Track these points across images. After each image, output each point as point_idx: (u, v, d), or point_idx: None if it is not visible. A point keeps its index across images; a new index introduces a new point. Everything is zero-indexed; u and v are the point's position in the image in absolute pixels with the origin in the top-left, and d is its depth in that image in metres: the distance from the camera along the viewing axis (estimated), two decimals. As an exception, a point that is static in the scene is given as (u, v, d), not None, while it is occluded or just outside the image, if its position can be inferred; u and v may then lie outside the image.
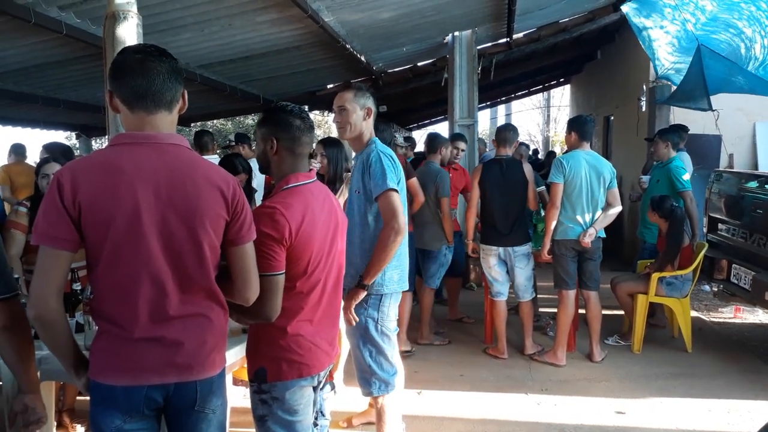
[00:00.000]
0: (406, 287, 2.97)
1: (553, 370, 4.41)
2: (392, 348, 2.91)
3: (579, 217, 4.34)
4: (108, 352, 1.62)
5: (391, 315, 2.89)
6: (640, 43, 6.43)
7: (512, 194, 4.56)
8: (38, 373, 1.84)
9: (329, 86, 9.51)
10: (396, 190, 2.70)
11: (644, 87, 7.70)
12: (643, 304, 4.73)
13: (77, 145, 10.61)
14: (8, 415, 1.81)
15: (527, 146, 6.84)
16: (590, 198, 4.34)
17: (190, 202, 1.62)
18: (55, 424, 3.20)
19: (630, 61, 8.60)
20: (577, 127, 4.48)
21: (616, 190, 4.45)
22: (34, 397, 1.78)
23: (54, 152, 4.50)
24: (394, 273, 2.86)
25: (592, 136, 4.59)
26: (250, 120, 20.01)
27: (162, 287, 1.61)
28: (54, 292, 1.54)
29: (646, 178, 5.59)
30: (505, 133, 4.70)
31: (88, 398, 3.89)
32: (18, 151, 6.53)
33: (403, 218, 2.69)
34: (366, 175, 2.78)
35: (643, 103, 7.70)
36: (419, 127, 17.70)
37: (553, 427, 3.56)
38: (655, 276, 4.69)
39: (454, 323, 5.65)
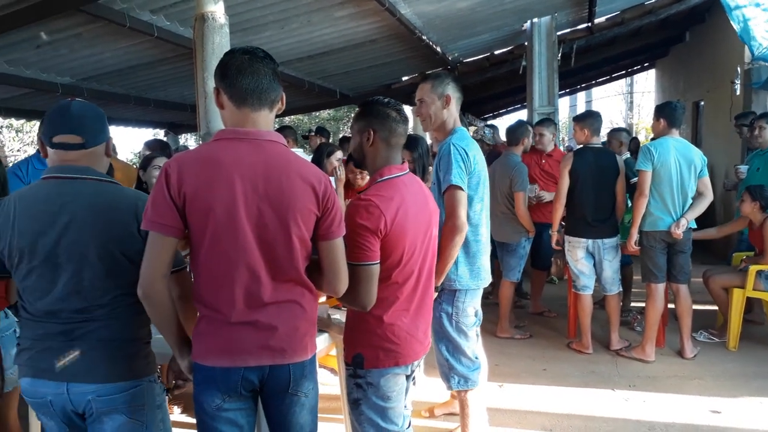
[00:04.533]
0: (482, 284, 2.91)
1: (641, 366, 4.26)
2: (471, 343, 2.89)
3: (669, 208, 4.15)
4: (208, 336, 1.72)
5: (467, 311, 2.86)
6: (732, 22, 6.05)
7: (604, 184, 4.41)
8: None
9: (404, 79, 9.52)
10: (459, 187, 2.65)
11: (738, 69, 7.24)
12: (740, 299, 4.47)
13: (167, 141, 11.15)
14: (167, 376, 2.02)
15: (628, 132, 6.20)
16: (680, 187, 4.15)
17: (284, 197, 1.68)
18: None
19: (722, 42, 8.11)
20: (666, 113, 4.28)
21: (707, 178, 4.23)
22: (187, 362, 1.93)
23: (155, 148, 4.87)
24: (465, 269, 2.83)
25: (682, 122, 4.37)
26: (325, 114, 20.43)
27: (256, 275, 1.69)
28: (160, 274, 1.66)
29: (743, 168, 5.26)
30: (597, 120, 4.54)
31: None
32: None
33: (463, 217, 2.65)
34: (439, 167, 2.77)
35: (738, 87, 7.25)
36: (495, 117, 17.42)
37: (642, 425, 3.44)
38: (753, 269, 4.43)
39: (534, 317, 5.56)
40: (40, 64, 5.86)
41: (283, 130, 5.74)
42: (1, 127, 16.20)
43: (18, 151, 15.86)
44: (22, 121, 15.22)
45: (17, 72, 5.90)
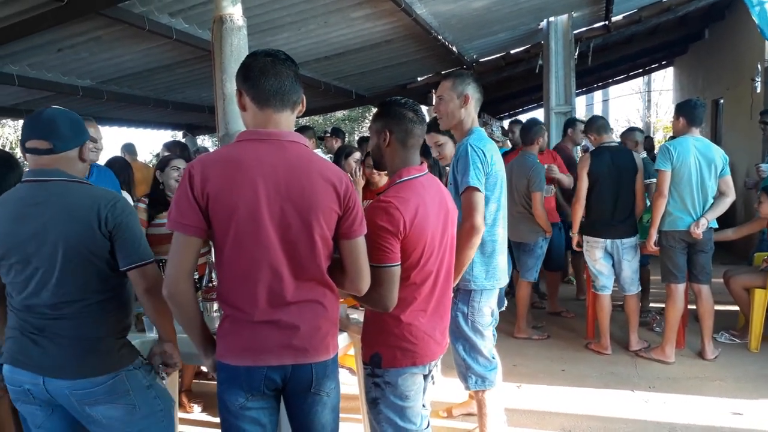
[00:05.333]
0: (497, 284, 2.89)
1: (661, 368, 4.22)
2: (487, 342, 2.89)
3: (688, 207, 4.11)
4: (231, 335, 1.75)
5: (483, 310, 2.85)
6: (754, 18, 5.97)
7: (623, 184, 4.38)
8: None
9: (420, 79, 9.51)
10: (477, 189, 2.63)
11: (759, 66, 7.15)
12: (762, 300, 4.41)
13: (185, 143, 11.24)
14: (148, 358, 2.08)
15: (641, 131, 6.23)
16: (700, 186, 4.10)
17: (306, 197, 1.70)
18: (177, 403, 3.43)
19: (742, 39, 8.01)
20: (685, 111, 4.24)
21: (728, 177, 4.18)
22: (171, 345, 2.06)
23: (174, 150, 4.97)
24: (481, 269, 2.82)
25: (702, 121, 4.31)
26: (340, 114, 20.53)
27: (279, 274, 1.70)
28: (184, 274, 1.69)
29: (765, 166, 5.18)
30: (597, 120, 4.57)
31: (203, 381, 4.11)
32: (130, 150, 6.99)
33: (480, 218, 2.63)
34: (456, 168, 2.76)
35: (758, 84, 7.15)
36: (511, 116, 17.32)
37: (662, 426, 3.41)
38: (776, 269, 4.38)
39: (553, 317, 5.52)
40: (61, 67, 5.93)
41: (303, 130, 5.77)
42: (23, 129, 16.46)
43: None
44: (43, 123, 15.43)
45: (39, 75, 5.98)
